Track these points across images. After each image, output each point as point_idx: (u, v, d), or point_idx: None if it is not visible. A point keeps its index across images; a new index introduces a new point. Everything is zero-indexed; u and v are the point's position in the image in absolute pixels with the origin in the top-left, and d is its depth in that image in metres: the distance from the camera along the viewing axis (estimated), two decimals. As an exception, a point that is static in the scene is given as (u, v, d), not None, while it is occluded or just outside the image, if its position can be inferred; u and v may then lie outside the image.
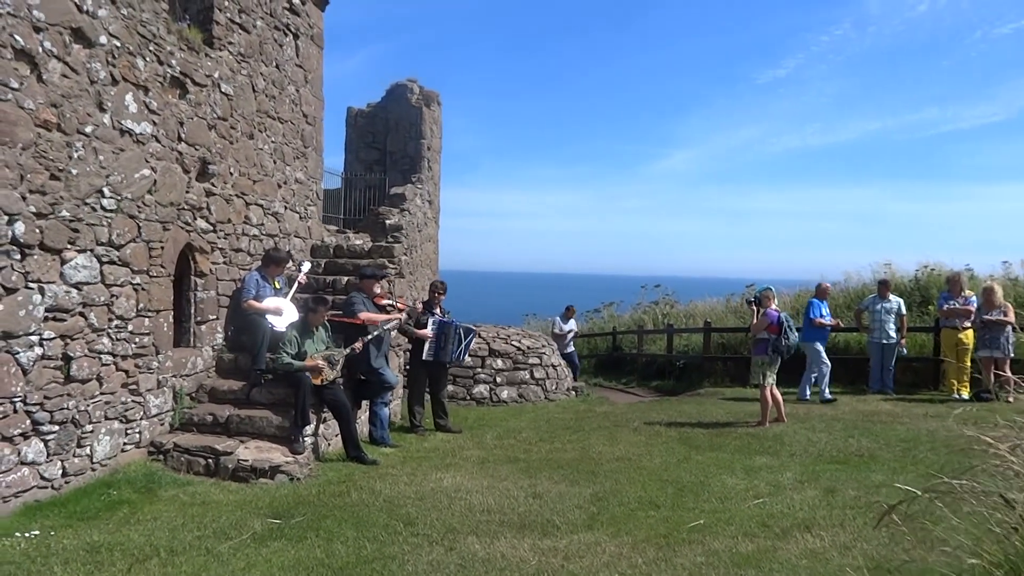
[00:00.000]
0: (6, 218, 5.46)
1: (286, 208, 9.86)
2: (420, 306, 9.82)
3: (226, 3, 8.28)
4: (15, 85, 5.53)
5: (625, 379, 17.37)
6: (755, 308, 9.92)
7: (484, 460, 7.95)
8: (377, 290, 8.94)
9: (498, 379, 12.86)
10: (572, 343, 16.38)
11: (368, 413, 8.90)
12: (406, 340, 9.94)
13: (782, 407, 9.70)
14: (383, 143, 16.75)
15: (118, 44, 6.56)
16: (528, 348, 13.33)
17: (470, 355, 12.25)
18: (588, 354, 19.59)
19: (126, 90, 6.71)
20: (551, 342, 14.49)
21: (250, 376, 8.00)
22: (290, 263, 9.29)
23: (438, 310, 9.95)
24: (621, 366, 18.65)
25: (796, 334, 9.75)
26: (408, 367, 10.16)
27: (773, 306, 9.74)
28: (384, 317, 8.65)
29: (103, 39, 6.38)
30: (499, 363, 12.95)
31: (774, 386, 9.58)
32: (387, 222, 12.10)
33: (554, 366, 13.68)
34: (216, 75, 8.08)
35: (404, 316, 9.13)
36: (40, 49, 5.74)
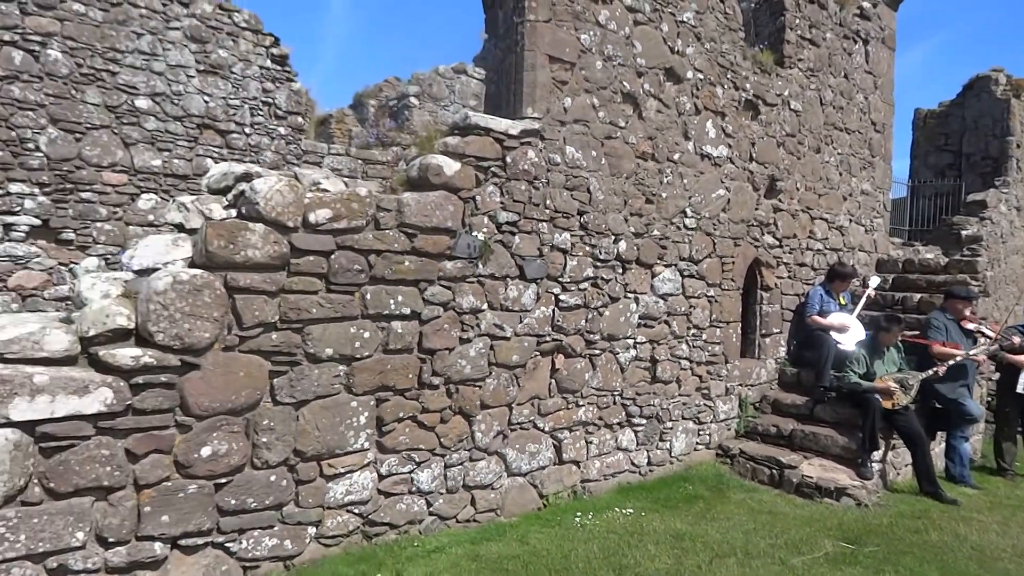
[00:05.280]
0: (613, 237, 6.43)
1: (851, 221, 9.51)
2: (1016, 338, 8.28)
3: (797, 21, 8.38)
4: (622, 124, 6.48)
5: None
6: None
7: (1106, 523, 6.43)
8: (966, 313, 7.94)
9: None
10: None
11: (944, 446, 8.00)
12: (993, 368, 8.65)
13: None
14: (958, 144, 14.96)
15: (701, 77, 7.18)
16: None
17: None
18: None
19: (707, 118, 7.29)
20: None
21: (813, 392, 7.91)
22: (855, 278, 8.92)
23: None
24: None
25: None
26: (994, 399, 8.83)
27: None
28: (958, 352, 7.56)
29: (689, 74, 7.05)
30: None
31: None
32: (963, 233, 10.74)
33: None
34: (786, 93, 8.23)
35: (994, 345, 7.92)
36: (641, 90, 6.62)
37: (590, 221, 6.20)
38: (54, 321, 3.96)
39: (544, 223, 5.85)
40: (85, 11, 8.68)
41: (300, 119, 10.77)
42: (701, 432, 7.56)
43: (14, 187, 8.32)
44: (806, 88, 8.55)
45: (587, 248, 6.21)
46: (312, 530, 4.64)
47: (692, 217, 7.20)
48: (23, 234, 8.45)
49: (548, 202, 5.86)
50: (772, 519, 6.06)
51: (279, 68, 10.43)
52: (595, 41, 6.20)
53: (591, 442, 6.43)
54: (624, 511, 5.94)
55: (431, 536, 5.17)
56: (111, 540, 3.82)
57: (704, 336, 7.45)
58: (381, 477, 4.98)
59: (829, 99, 8.95)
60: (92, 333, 3.77)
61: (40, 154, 8.47)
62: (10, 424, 3.48)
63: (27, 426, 3.54)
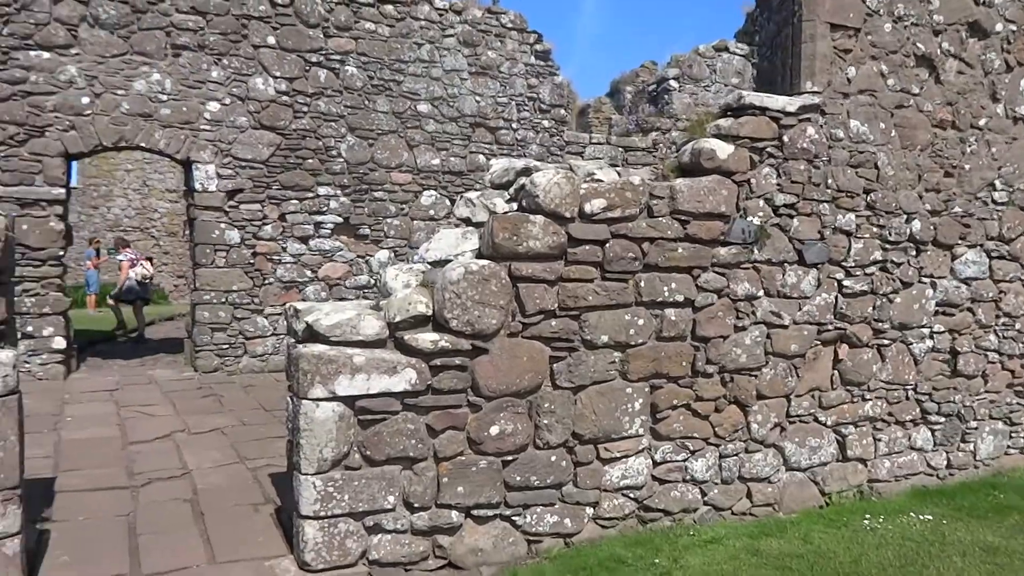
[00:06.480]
0: (904, 216, 5.84)
1: None
2: None
3: None
4: (916, 90, 5.86)
5: None
6: None
7: None
8: None
9: None
10: None
11: None
12: None
13: None
14: None
15: (1014, 28, 6.27)
16: None
17: None
18: None
19: (1020, 75, 6.36)
20: None
21: None
22: None
23: None
24: None
25: None
26: None
27: None
28: None
29: (999, 26, 6.18)
30: None
31: None
32: None
33: None
34: None
35: None
36: (938, 51, 5.94)
37: (878, 200, 5.69)
38: (366, 308, 4.45)
39: (825, 204, 5.47)
40: (375, 28, 9.63)
41: (563, 111, 11.09)
42: (1014, 434, 6.64)
43: (322, 190, 9.50)
44: None
45: (874, 229, 5.71)
46: (589, 511, 4.78)
47: (1002, 190, 6.32)
48: (329, 231, 9.63)
49: (830, 181, 5.47)
50: (1113, 541, 5.17)
51: (542, 64, 10.82)
52: (883, 2, 5.65)
53: (879, 439, 5.92)
54: (920, 517, 5.40)
55: (706, 526, 5.09)
56: (416, 505, 4.23)
57: (1017, 325, 6.53)
58: (655, 464, 4.99)
59: None
60: (397, 319, 4.19)
61: (341, 159, 9.58)
62: (336, 398, 3.99)
63: (348, 400, 4.03)
